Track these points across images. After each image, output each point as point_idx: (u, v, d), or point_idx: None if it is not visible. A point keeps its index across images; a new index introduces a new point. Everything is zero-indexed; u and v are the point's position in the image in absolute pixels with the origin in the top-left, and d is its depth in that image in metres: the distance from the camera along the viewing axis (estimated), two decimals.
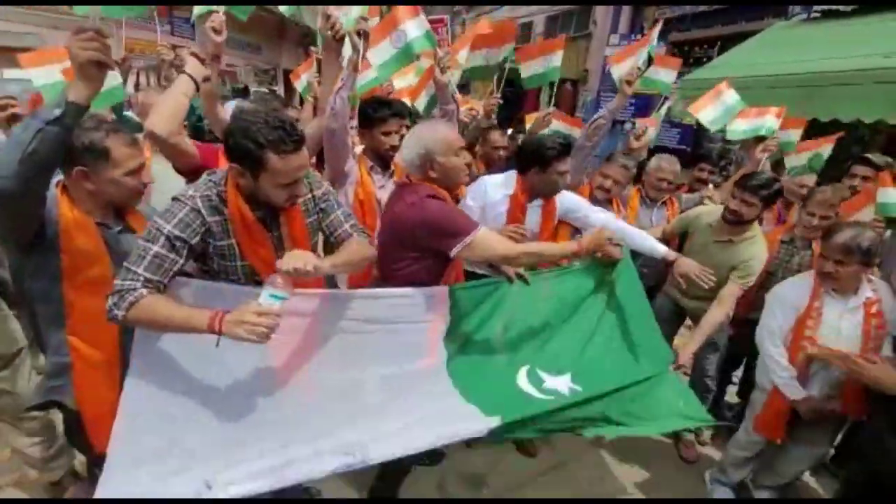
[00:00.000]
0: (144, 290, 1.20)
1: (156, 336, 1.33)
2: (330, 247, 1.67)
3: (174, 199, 1.31)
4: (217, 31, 2.10)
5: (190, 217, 1.29)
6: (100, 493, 1.19)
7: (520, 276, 1.95)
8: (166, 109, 1.62)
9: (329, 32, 1.90)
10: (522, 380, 1.80)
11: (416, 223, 1.63)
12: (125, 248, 1.36)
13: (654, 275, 2.88)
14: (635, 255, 2.65)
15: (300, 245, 1.46)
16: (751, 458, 2.28)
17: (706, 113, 3.20)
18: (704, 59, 7.26)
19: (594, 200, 2.59)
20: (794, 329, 2.01)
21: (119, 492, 1.19)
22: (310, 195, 1.53)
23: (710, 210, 2.60)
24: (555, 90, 3.19)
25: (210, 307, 1.22)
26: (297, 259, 1.24)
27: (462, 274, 2.03)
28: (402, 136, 2.17)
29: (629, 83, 2.65)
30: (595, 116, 2.62)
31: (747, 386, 2.75)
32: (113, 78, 2.34)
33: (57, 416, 1.74)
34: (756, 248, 2.35)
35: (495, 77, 3.22)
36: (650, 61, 3.27)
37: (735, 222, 2.32)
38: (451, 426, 1.54)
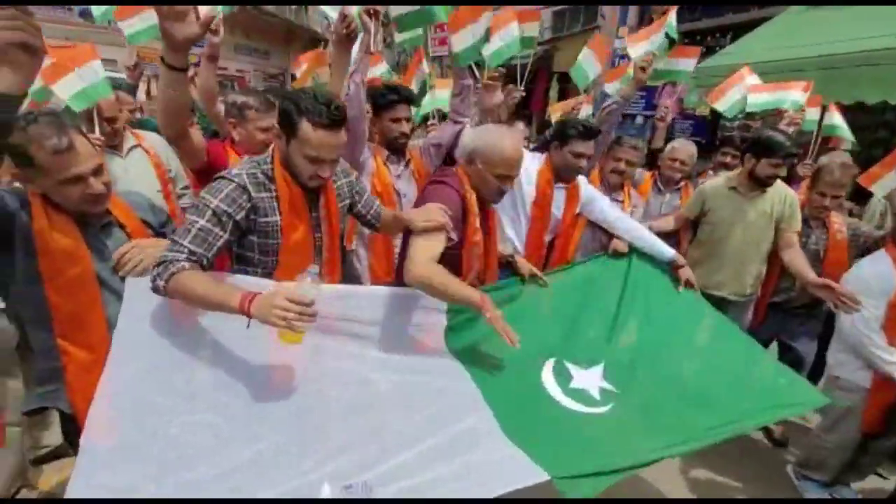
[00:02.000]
0: (187, 263, 1.21)
1: (139, 323, 1.28)
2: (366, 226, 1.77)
3: (219, 176, 1.34)
4: (213, 32, 2.11)
5: (235, 193, 1.32)
6: (72, 482, 1.06)
7: (533, 276, 1.89)
8: (159, 110, 1.61)
9: (344, 31, 1.88)
10: (548, 376, 1.65)
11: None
12: (109, 243, 1.32)
13: None
14: None
15: (334, 227, 1.52)
16: (841, 456, 2.16)
17: (724, 100, 3.12)
18: (716, 49, 7.10)
19: (606, 185, 2.56)
20: (889, 314, 1.92)
21: (94, 485, 1.05)
22: (344, 181, 1.60)
23: (720, 180, 2.55)
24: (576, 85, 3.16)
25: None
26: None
27: (495, 274, 1.94)
28: (409, 124, 2.21)
29: (643, 70, 2.57)
30: (608, 101, 2.57)
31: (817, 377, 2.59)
32: (93, 74, 2.33)
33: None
34: (784, 187, 2.41)
35: (518, 68, 3.13)
36: (671, 44, 3.17)
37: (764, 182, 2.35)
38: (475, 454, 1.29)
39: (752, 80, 3.13)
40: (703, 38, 7.80)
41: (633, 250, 2.16)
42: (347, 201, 1.61)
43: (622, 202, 2.57)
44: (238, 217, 1.32)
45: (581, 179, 2.25)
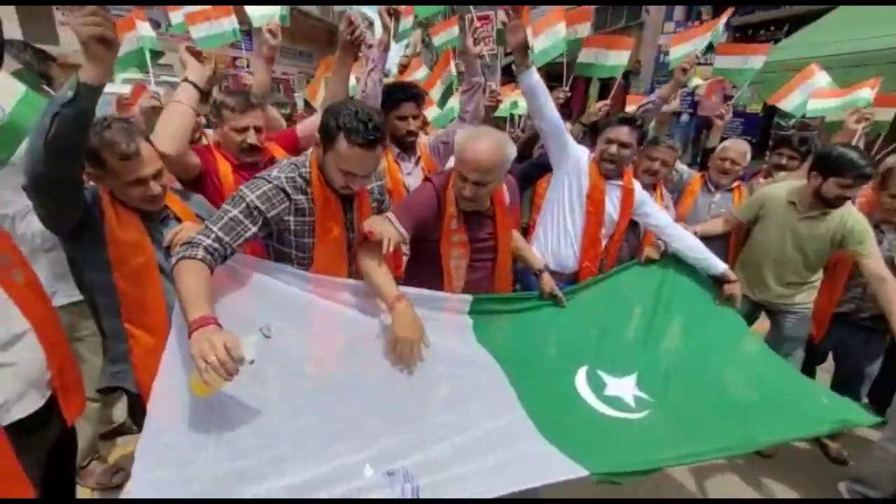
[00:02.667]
0: (202, 252, 1.23)
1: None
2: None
3: (258, 176, 1.39)
4: (273, 34, 2.20)
5: (272, 192, 1.36)
6: (142, 441, 1.10)
7: (552, 296, 1.85)
8: (171, 126, 1.57)
9: (348, 37, 1.82)
10: (581, 382, 1.64)
11: None
12: (165, 235, 1.41)
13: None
14: None
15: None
16: None
17: (791, 99, 2.98)
18: (771, 42, 6.74)
19: (642, 186, 2.46)
20: None
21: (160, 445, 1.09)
22: (376, 184, 1.65)
23: (784, 189, 2.35)
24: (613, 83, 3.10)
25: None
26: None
27: (506, 277, 1.87)
28: (416, 122, 2.18)
29: (684, 70, 2.48)
30: (644, 101, 2.49)
31: (884, 388, 2.42)
32: (129, 43, 2.41)
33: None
34: (854, 210, 2.16)
35: (564, 67, 3.16)
36: (709, 47, 3.08)
37: (831, 203, 2.13)
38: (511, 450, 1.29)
39: (822, 78, 2.95)
40: (756, 32, 7.42)
41: (669, 258, 2.09)
42: (377, 204, 1.66)
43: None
44: (270, 214, 1.36)
45: (636, 182, 2.19)
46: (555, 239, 2.17)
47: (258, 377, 1.26)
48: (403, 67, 4.92)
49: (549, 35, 3.07)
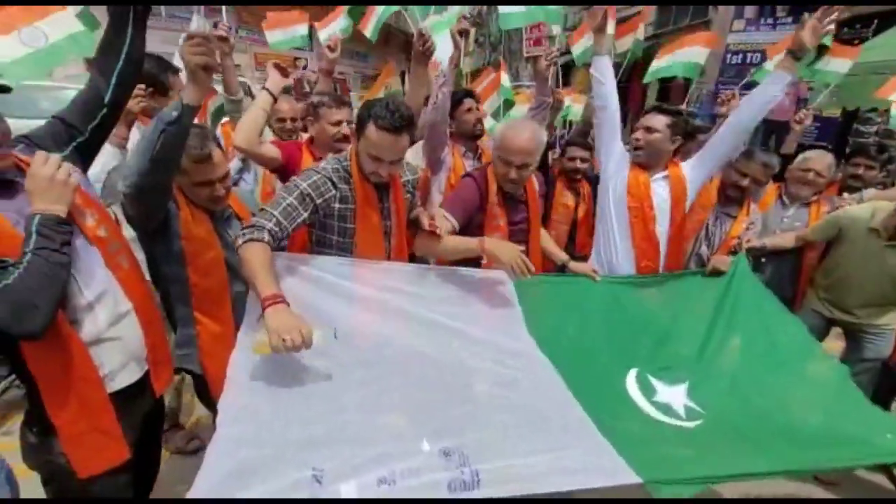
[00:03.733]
0: (268, 236, 1.38)
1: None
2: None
3: (310, 169, 1.57)
4: (332, 50, 2.44)
5: (321, 181, 1.53)
6: (223, 401, 1.22)
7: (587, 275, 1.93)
8: (245, 125, 1.98)
9: (421, 48, 2.02)
10: (631, 384, 1.64)
11: None
12: (231, 231, 1.57)
13: (777, 287, 2.53)
14: (760, 266, 2.43)
15: (400, 216, 1.72)
16: None
17: None
18: (855, 41, 6.21)
19: (725, 198, 2.34)
20: None
21: (239, 405, 1.19)
22: (410, 177, 1.81)
23: (868, 210, 2.20)
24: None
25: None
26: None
27: (539, 264, 2.02)
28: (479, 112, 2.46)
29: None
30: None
31: None
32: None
33: None
34: None
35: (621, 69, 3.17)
36: (820, 49, 2.89)
37: None
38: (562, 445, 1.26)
39: None
40: (839, 30, 6.87)
41: (736, 271, 1.99)
42: (410, 196, 1.80)
43: (735, 218, 2.31)
44: (319, 201, 1.52)
45: (684, 165, 2.10)
46: (607, 248, 2.14)
47: (324, 352, 1.38)
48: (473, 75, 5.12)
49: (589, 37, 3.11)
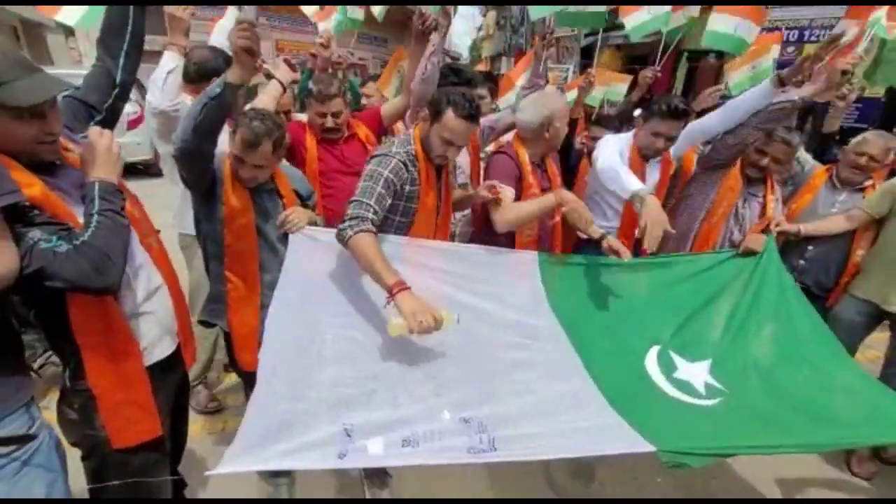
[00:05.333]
0: (371, 225, 1.53)
1: (301, 265, 1.62)
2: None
3: (383, 154, 1.67)
4: (325, 47, 2.47)
5: (399, 167, 1.66)
6: (262, 358, 1.35)
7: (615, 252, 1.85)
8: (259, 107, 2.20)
9: (420, 27, 2.09)
10: (651, 362, 1.66)
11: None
12: (267, 205, 1.68)
13: (818, 273, 2.45)
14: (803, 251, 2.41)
15: (448, 196, 1.90)
16: None
17: None
18: None
19: (747, 179, 2.28)
20: None
21: (259, 427, 1.18)
22: (457, 163, 2.01)
23: None
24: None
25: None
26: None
27: (560, 243, 2.15)
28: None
29: (844, 73, 2.01)
30: (780, 100, 2.05)
31: None
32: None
33: None
34: None
35: (660, 48, 3.11)
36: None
37: None
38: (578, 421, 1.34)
39: None
40: None
41: (765, 252, 1.98)
42: (453, 178, 1.93)
43: (763, 198, 2.27)
44: (398, 186, 1.66)
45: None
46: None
47: (355, 325, 1.53)
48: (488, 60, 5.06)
49: (650, 9, 2.98)
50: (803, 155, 2.53)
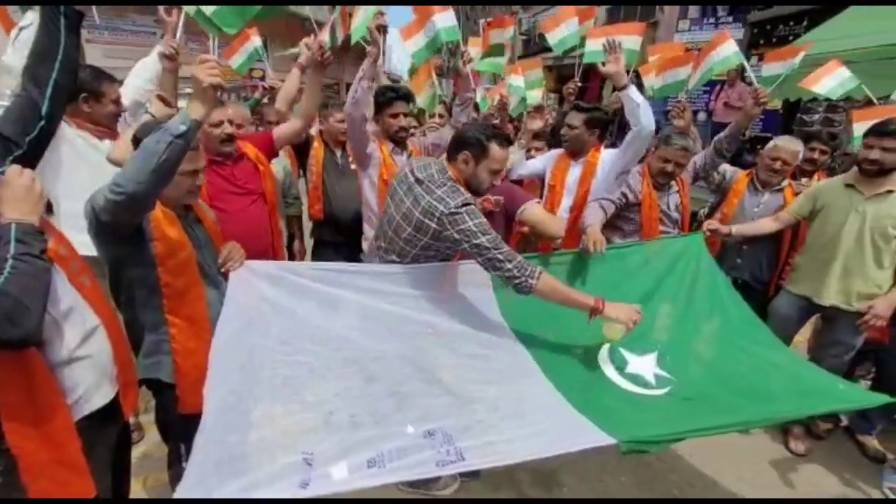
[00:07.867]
0: (532, 264, 1.64)
1: (241, 299, 1.57)
2: None
3: (468, 205, 1.66)
4: (308, 47, 2.36)
5: (479, 210, 1.71)
6: (209, 390, 1.23)
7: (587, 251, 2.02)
8: (284, 92, 2.66)
9: (319, 58, 2.17)
10: (604, 359, 1.74)
11: None
12: (198, 234, 1.58)
13: (749, 269, 2.72)
14: (739, 251, 2.72)
15: None
16: None
17: (822, 85, 3.10)
18: (790, 38, 6.65)
19: (657, 185, 2.53)
20: None
21: (209, 460, 1.09)
22: None
23: (836, 179, 2.37)
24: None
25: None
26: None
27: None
28: (408, 119, 2.54)
29: (759, 103, 2.49)
30: (723, 134, 2.58)
31: None
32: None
33: None
34: None
35: (576, 64, 3.53)
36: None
37: (877, 172, 2.14)
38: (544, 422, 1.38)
39: (842, 72, 3.05)
40: (774, 28, 7.33)
41: (696, 250, 2.17)
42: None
43: (677, 194, 2.61)
44: None
45: (608, 151, 2.54)
46: None
47: (306, 350, 1.50)
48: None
49: (567, 25, 3.43)
50: (722, 165, 2.79)
